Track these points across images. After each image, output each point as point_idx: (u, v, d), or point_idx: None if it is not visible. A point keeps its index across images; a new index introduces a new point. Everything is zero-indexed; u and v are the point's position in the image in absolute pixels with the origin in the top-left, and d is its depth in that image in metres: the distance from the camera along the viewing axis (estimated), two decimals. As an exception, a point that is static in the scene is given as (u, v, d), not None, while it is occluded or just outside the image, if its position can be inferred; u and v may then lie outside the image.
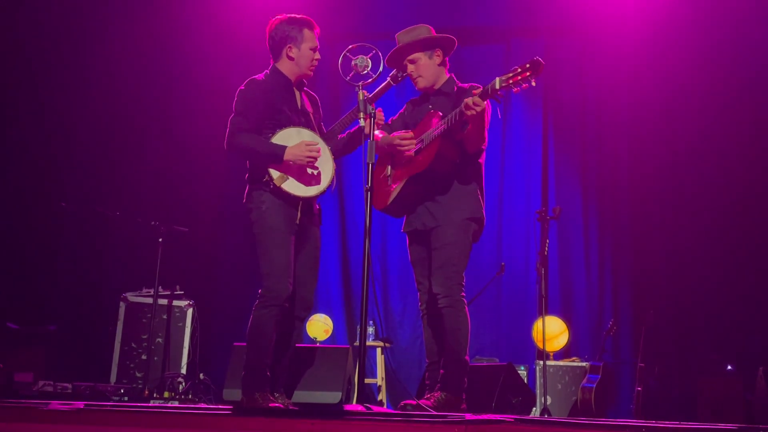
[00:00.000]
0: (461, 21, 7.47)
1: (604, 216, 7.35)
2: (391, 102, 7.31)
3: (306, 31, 4.02)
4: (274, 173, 3.88)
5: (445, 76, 4.18)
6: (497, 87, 3.64)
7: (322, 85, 7.06)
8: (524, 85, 3.59)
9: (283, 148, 3.87)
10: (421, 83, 4.16)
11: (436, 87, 4.17)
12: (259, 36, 7.50)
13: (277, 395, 3.96)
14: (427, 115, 4.06)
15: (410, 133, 4.04)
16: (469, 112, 3.70)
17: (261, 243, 3.92)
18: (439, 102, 4.11)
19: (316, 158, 3.89)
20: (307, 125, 4.02)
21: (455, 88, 4.13)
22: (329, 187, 3.99)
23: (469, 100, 3.70)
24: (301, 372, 4.90)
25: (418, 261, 4.13)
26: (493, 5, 7.50)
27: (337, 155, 4.19)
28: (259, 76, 4.04)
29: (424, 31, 4.14)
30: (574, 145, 7.52)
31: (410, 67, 4.15)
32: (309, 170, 3.94)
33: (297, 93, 4.11)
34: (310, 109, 4.15)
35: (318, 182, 3.95)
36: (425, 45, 4.11)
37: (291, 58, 4.03)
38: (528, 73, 3.56)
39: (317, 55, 4.05)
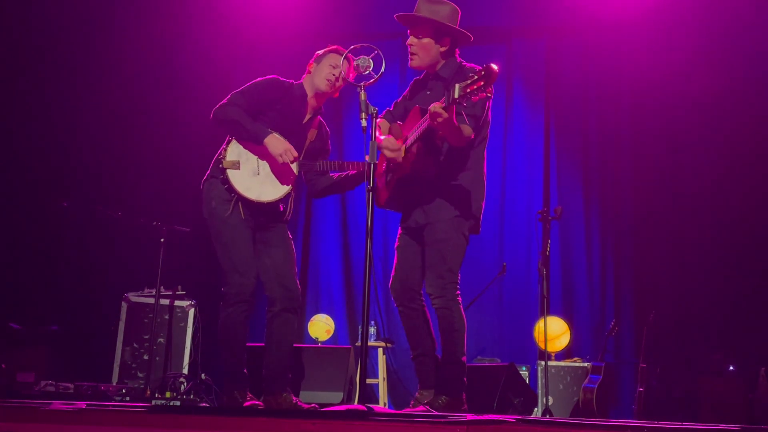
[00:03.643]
0: (462, 21, 7.43)
1: (605, 216, 7.35)
2: (393, 91, 7.32)
3: (332, 55, 4.11)
4: (230, 155, 4.00)
5: (444, 60, 3.99)
6: (456, 96, 3.43)
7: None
8: (482, 94, 3.37)
9: (268, 132, 3.95)
10: (415, 62, 3.96)
11: (437, 69, 3.99)
12: (261, 36, 7.59)
13: (285, 395, 3.95)
14: (413, 110, 3.89)
15: (398, 143, 3.88)
16: (432, 121, 3.52)
17: (217, 240, 4.04)
18: (437, 87, 3.95)
19: (284, 164, 3.96)
20: (289, 141, 4.01)
21: (454, 71, 3.93)
22: (272, 204, 4.03)
23: (431, 108, 3.50)
24: (302, 372, 4.92)
25: (402, 248, 4.04)
26: (494, 5, 7.48)
27: (322, 193, 4.32)
28: (284, 79, 4.16)
29: (447, 12, 3.93)
30: (575, 145, 7.51)
31: (412, 39, 3.95)
32: (260, 178, 4.00)
33: (309, 114, 4.17)
34: (309, 135, 4.18)
35: (260, 193, 4.00)
36: (436, 31, 3.92)
37: (309, 72, 4.17)
38: (482, 82, 3.31)
39: (336, 71, 4.05)
